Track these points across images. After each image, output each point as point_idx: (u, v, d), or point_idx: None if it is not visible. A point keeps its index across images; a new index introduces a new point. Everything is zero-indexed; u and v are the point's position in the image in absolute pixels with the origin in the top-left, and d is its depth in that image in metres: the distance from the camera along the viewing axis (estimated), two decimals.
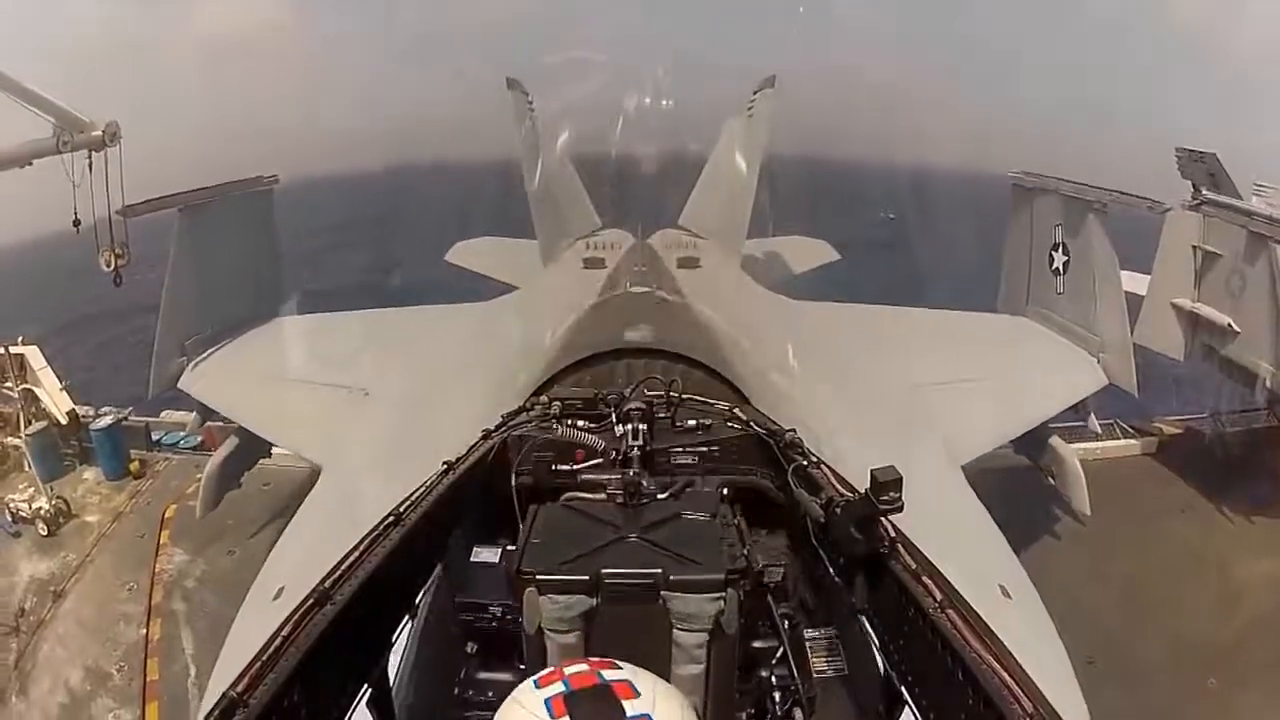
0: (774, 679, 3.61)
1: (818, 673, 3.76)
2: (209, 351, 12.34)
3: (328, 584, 2.96)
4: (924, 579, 2.90)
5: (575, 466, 4.50)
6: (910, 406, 9.33)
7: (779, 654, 3.66)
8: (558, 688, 1.82)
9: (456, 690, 3.90)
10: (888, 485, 2.87)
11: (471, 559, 3.67)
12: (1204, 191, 12.43)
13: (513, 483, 4.26)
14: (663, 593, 3.00)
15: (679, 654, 3.06)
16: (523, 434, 4.69)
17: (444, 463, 4.14)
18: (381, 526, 3.39)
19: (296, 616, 2.75)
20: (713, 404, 4.95)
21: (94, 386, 22.67)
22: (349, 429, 9.32)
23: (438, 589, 3.96)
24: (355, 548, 3.23)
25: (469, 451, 4.42)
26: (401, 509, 3.55)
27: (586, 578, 3.01)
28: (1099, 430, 15.80)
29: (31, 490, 14.83)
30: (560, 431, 4.57)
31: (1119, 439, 17.06)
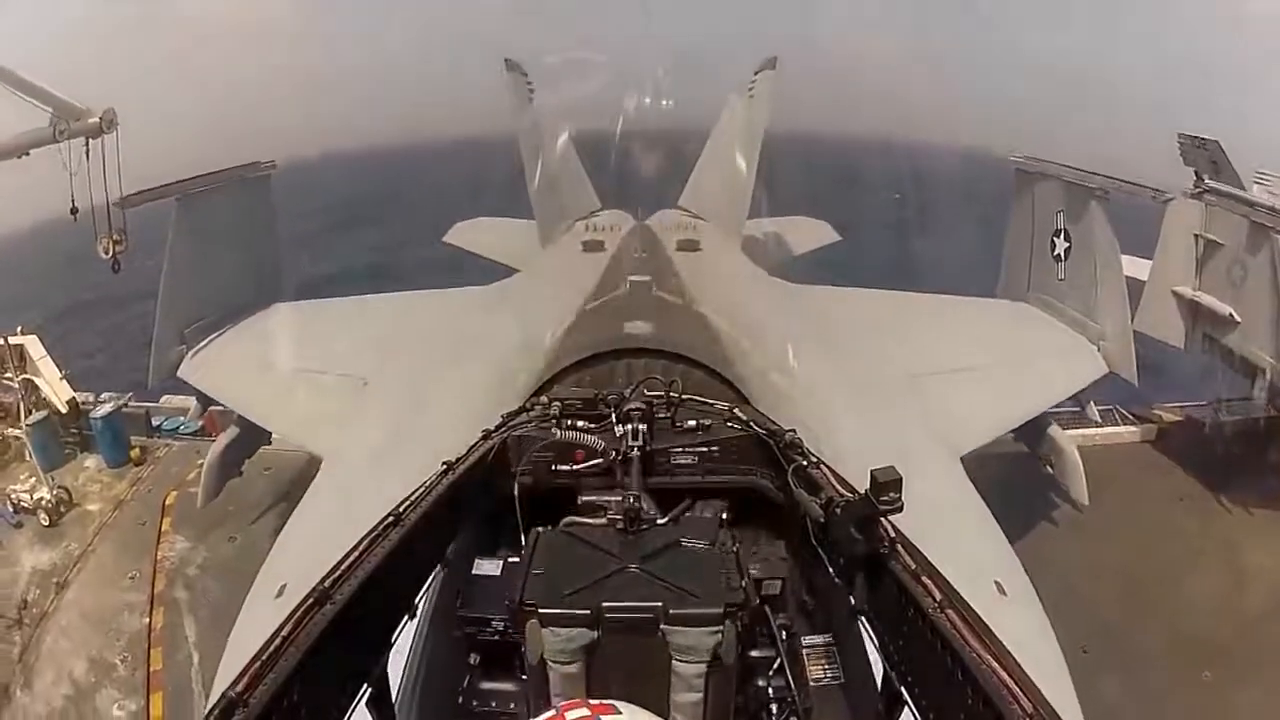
0: (771, 690, 3.65)
1: (814, 680, 3.78)
2: (208, 339, 12.30)
3: (328, 584, 2.96)
4: (924, 579, 2.90)
5: (575, 467, 4.51)
6: (911, 398, 9.31)
7: (776, 665, 3.68)
8: None
9: (460, 700, 3.93)
10: (887, 485, 2.87)
11: (473, 571, 3.68)
12: (1206, 180, 12.37)
13: (515, 491, 4.26)
14: (662, 626, 3.05)
15: (678, 683, 3.10)
16: (523, 434, 4.68)
17: (444, 463, 4.13)
18: (381, 527, 3.38)
19: (296, 616, 2.75)
20: (713, 404, 4.93)
21: (95, 373, 22.76)
22: (348, 420, 9.31)
23: (439, 598, 3.97)
24: (355, 548, 3.22)
25: (469, 451, 4.40)
26: (401, 509, 3.55)
27: (588, 611, 3.04)
28: (1098, 419, 15.84)
29: (33, 480, 14.87)
30: (560, 436, 4.56)
31: (1118, 426, 17.09)
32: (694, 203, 16.93)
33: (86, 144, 11.07)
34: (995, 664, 2.45)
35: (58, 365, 16.83)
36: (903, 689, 2.94)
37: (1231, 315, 12.22)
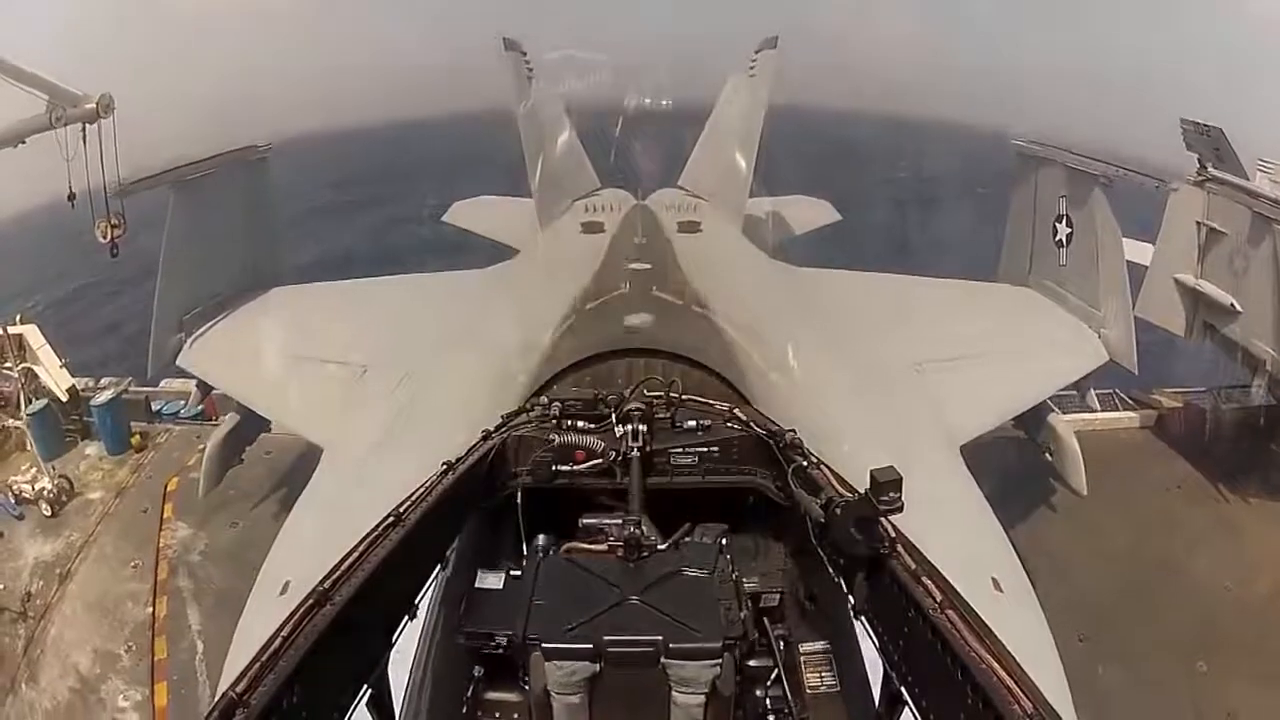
0: (769, 701, 3.69)
1: (811, 688, 3.81)
2: (207, 326, 12.23)
3: (327, 584, 2.97)
4: (924, 579, 2.91)
5: (576, 467, 4.51)
6: (911, 389, 9.29)
7: (774, 675, 3.71)
8: None
9: (465, 710, 3.96)
10: (887, 486, 2.88)
11: (476, 585, 3.71)
12: (1209, 168, 12.28)
13: (518, 498, 4.29)
14: (663, 659, 3.12)
15: (678, 713, 3.20)
16: (523, 434, 4.68)
17: (444, 463, 4.13)
18: (381, 527, 3.39)
19: (297, 617, 2.77)
20: (712, 404, 4.93)
21: (95, 360, 22.71)
22: (348, 410, 9.30)
23: (442, 608, 3.98)
24: (355, 548, 3.23)
25: (469, 452, 4.40)
26: (402, 509, 3.56)
27: (590, 646, 3.12)
28: (1097, 406, 15.84)
29: (34, 470, 14.85)
30: (559, 443, 4.57)
31: (1117, 411, 17.08)
32: (694, 182, 16.86)
33: (83, 129, 11.01)
34: (995, 664, 2.46)
35: (57, 353, 16.80)
36: (903, 689, 2.96)
37: (1233, 305, 12.16)
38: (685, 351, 5.84)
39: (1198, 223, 12.52)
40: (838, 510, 3.26)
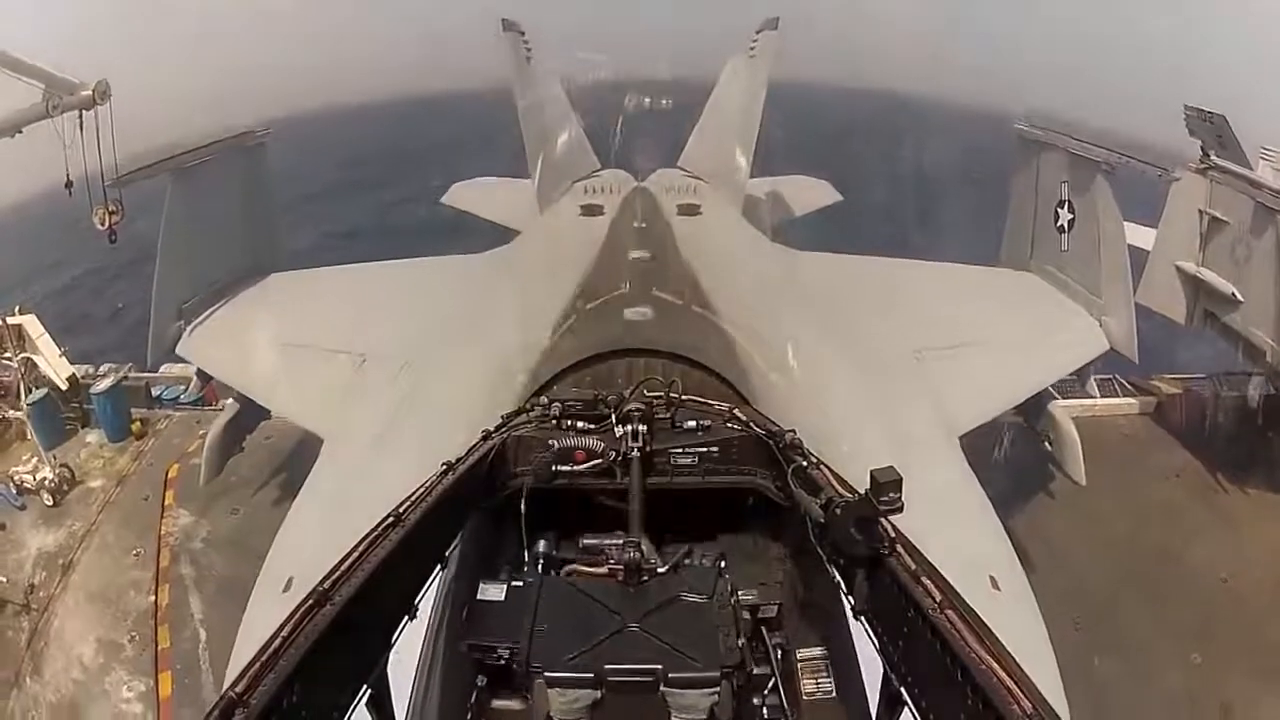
0: (766, 710, 3.73)
1: (807, 694, 3.85)
2: (206, 314, 12.20)
3: (327, 584, 2.98)
4: (923, 580, 2.91)
5: (576, 467, 4.51)
6: (911, 380, 9.28)
7: (771, 684, 3.73)
8: None
9: (469, 717, 3.99)
10: (887, 486, 2.87)
11: (478, 597, 3.73)
12: (1212, 156, 12.22)
13: (521, 507, 4.30)
14: (662, 687, 3.19)
15: None
16: (523, 435, 4.68)
17: (444, 463, 4.13)
18: (381, 527, 3.40)
19: (297, 617, 2.77)
20: (712, 404, 4.92)
21: (97, 344, 22.71)
22: (348, 401, 9.30)
23: (444, 616, 4.00)
24: (355, 548, 3.24)
25: (469, 452, 4.40)
26: (402, 509, 3.56)
27: (591, 674, 3.18)
28: (1097, 393, 15.85)
29: (35, 461, 14.87)
30: (558, 447, 4.57)
31: (1117, 397, 17.08)
32: (694, 163, 16.78)
33: (80, 117, 11.01)
34: (995, 664, 2.47)
35: (56, 342, 16.75)
36: (902, 689, 2.97)
37: (1234, 294, 12.14)
38: (685, 351, 5.81)
39: (1200, 211, 12.48)
40: (838, 510, 3.26)
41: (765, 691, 3.71)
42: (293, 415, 10.78)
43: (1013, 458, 13.42)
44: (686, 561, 4.14)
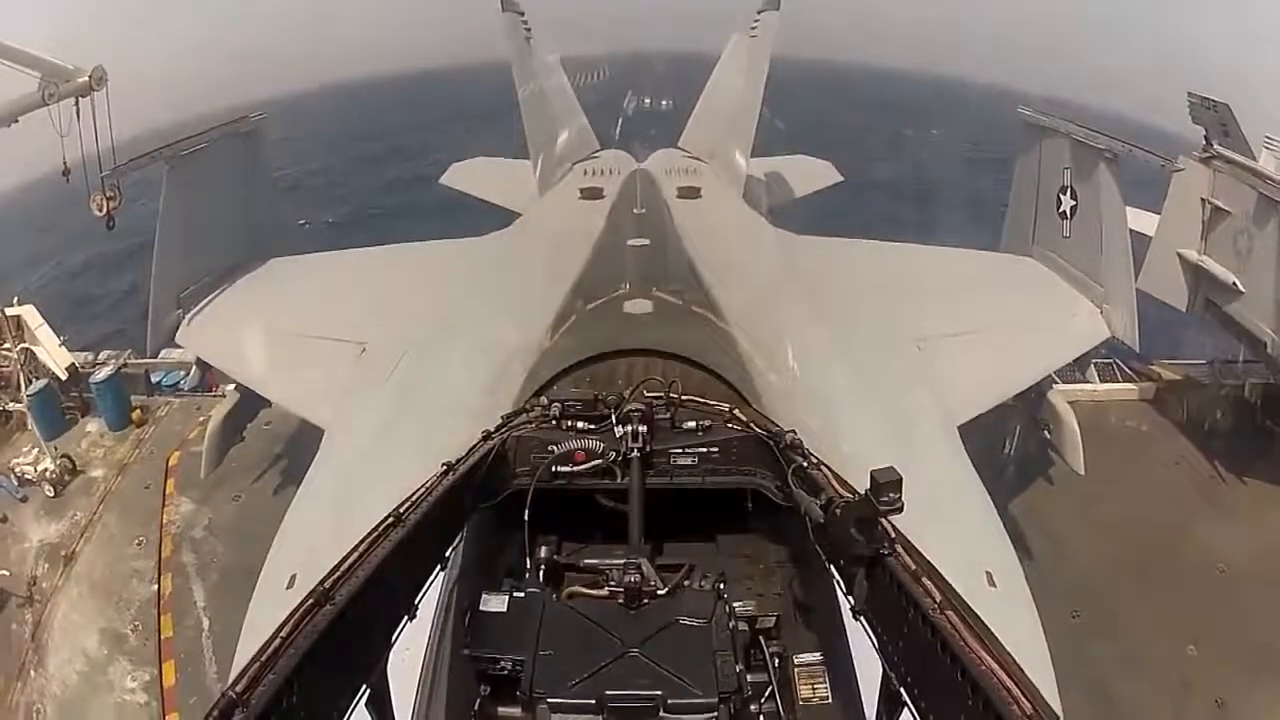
0: (762, 718, 3.75)
1: (803, 700, 3.87)
2: (205, 301, 12.15)
3: (328, 584, 2.99)
4: (924, 580, 2.92)
5: (576, 468, 4.51)
6: (911, 370, 9.26)
7: (768, 692, 3.76)
8: None
9: None
10: (887, 486, 2.87)
11: (481, 608, 3.77)
12: (1215, 145, 12.14)
13: (522, 499, 4.31)
14: (661, 713, 3.23)
15: None
16: (522, 435, 4.68)
17: (444, 464, 4.14)
18: (382, 527, 3.41)
19: (297, 617, 2.78)
20: (712, 405, 4.91)
21: (97, 331, 22.69)
22: (347, 392, 9.28)
23: (446, 620, 4.00)
24: (355, 548, 3.25)
25: (469, 452, 4.41)
26: (401, 509, 3.58)
27: (593, 701, 3.22)
28: (1097, 380, 15.87)
29: (36, 452, 14.87)
30: (559, 444, 4.57)
31: (1117, 382, 17.06)
32: (694, 143, 16.71)
33: (76, 103, 11.03)
34: (995, 665, 2.47)
35: (55, 331, 16.75)
36: (902, 690, 2.98)
37: (1235, 284, 12.13)
38: (685, 351, 5.79)
39: (1202, 200, 12.43)
40: (838, 511, 3.27)
41: (762, 700, 3.74)
42: (293, 406, 10.78)
43: (1011, 440, 13.48)
44: (686, 583, 4.17)
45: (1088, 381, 16.61)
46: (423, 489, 3.85)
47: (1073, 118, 12.47)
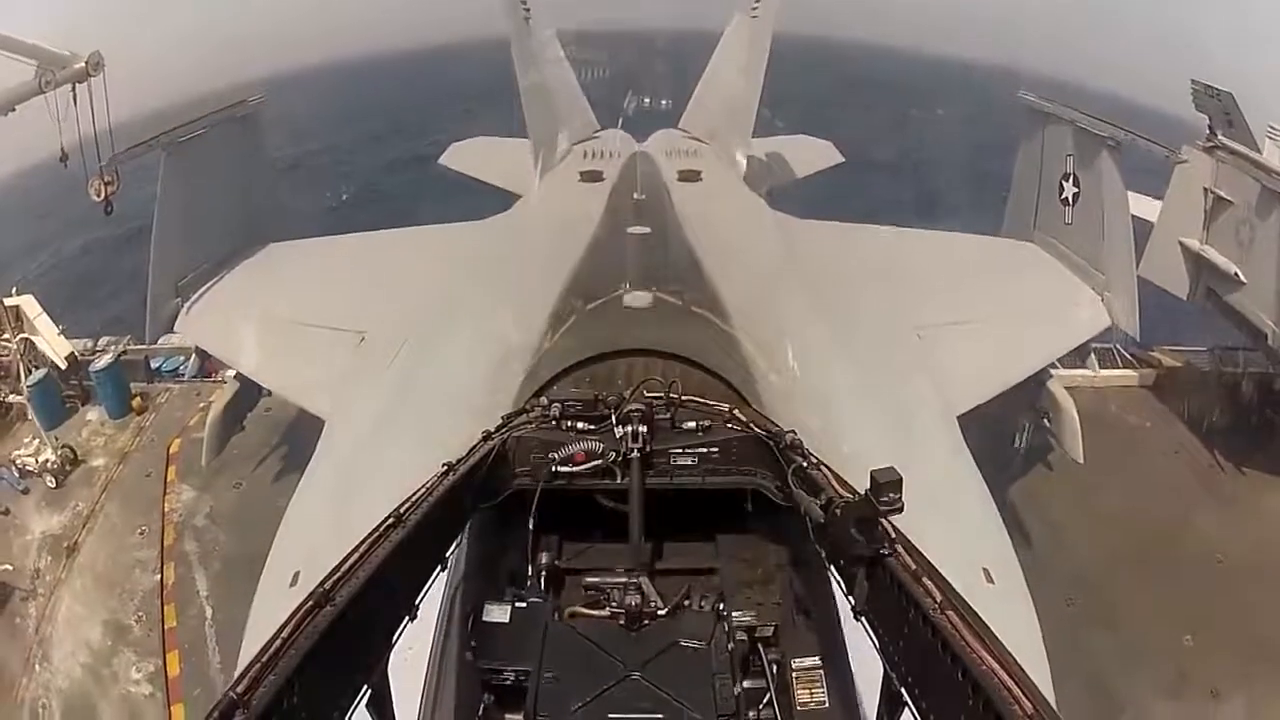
0: None
1: (801, 705, 3.89)
2: (204, 289, 12.12)
3: (328, 585, 3.00)
4: (924, 580, 2.93)
5: (576, 468, 4.51)
6: (911, 361, 9.26)
7: (766, 699, 3.79)
8: None
9: None
10: (888, 486, 2.87)
11: (484, 619, 3.79)
12: (1219, 135, 12.07)
13: (527, 499, 4.33)
14: None
15: None
16: (522, 435, 4.68)
17: (444, 464, 4.15)
18: (382, 528, 3.42)
19: (297, 617, 2.79)
20: (712, 405, 4.90)
21: (100, 316, 22.64)
22: (348, 382, 9.28)
23: (448, 625, 4.03)
24: (356, 548, 3.26)
25: (469, 453, 4.41)
26: (402, 510, 3.58)
27: None
28: (1097, 368, 15.84)
29: (36, 443, 14.84)
30: (559, 446, 4.57)
31: (1117, 368, 17.00)
32: (695, 124, 16.59)
33: (73, 89, 11.00)
34: (995, 665, 2.48)
35: (54, 319, 16.66)
36: (903, 690, 3.00)
37: (1237, 275, 12.08)
38: (685, 352, 5.78)
39: (1205, 189, 12.37)
40: (838, 511, 3.28)
41: (760, 706, 3.77)
42: (292, 396, 10.79)
43: (1011, 425, 13.47)
44: (685, 602, 4.20)
45: (1087, 368, 16.60)
46: (423, 489, 3.86)
47: (1076, 105, 12.38)
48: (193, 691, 10.93)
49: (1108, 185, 11.43)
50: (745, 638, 3.84)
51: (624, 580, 4.09)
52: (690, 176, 13.07)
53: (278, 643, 2.66)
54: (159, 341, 16.96)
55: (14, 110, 10.94)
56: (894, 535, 3.11)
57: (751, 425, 4.62)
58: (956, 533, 5.82)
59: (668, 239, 9.64)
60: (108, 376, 16.56)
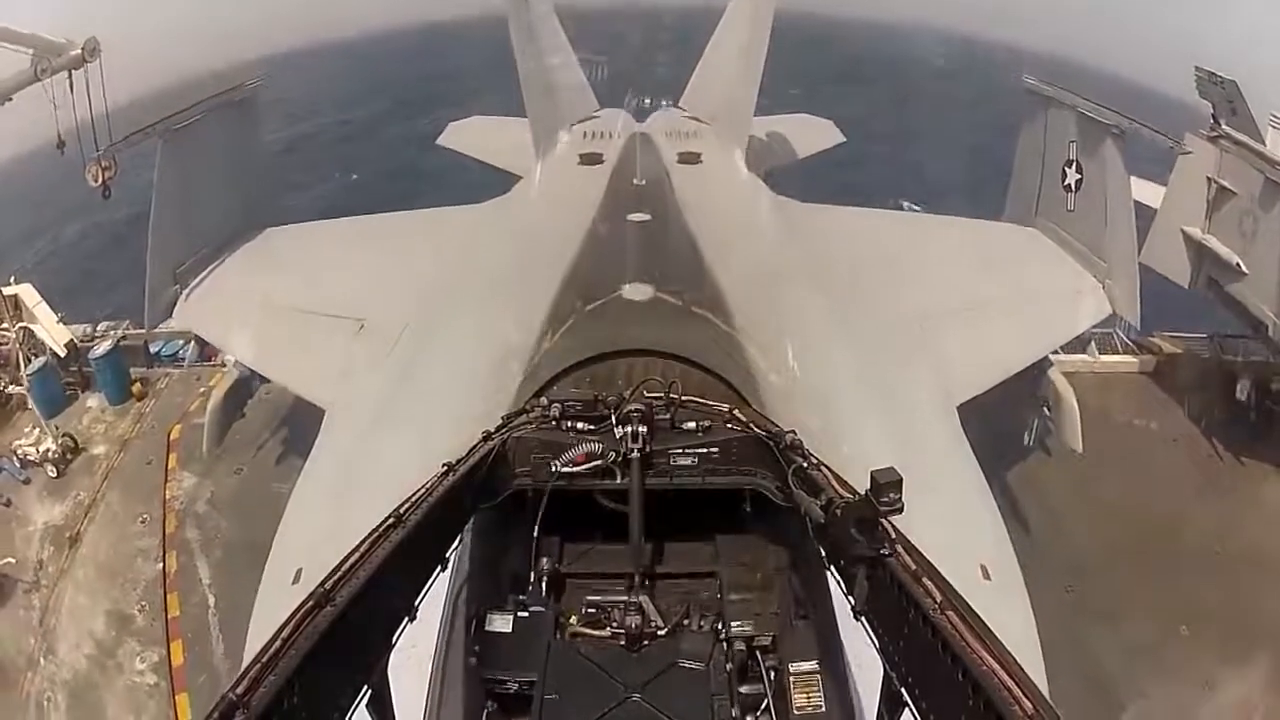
0: None
1: (798, 709, 3.92)
2: (202, 276, 12.07)
3: (329, 585, 3.00)
4: (924, 580, 2.93)
5: (576, 469, 4.51)
6: (912, 352, 9.22)
7: (764, 705, 3.81)
8: None
9: None
10: (888, 487, 2.87)
11: (486, 628, 3.82)
12: (1222, 124, 11.99)
13: (534, 500, 4.34)
14: None
15: None
16: (522, 436, 4.68)
17: (444, 464, 4.15)
18: (382, 528, 3.42)
19: (297, 618, 2.80)
20: (712, 405, 4.90)
21: (99, 302, 22.58)
22: (345, 372, 9.26)
23: (450, 630, 4.04)
24: (356, 549, 3.26)
25: (469, 453, 4.41)
26: (402, 510, 3.59)
27: None
28: (1097, 354, 15.81)
29: (37, 432, 14.82)
30: (559, 448, 4.57)
31: (1117, 354, 16.97)
32: (696, 104, 16.45)
33: (69, 76, 10.91)
34: (995, 664, 2.49)
35: (52, 306, 16.60)
36: (903, 690, 3.01)
37: (1239, 265, 12.06)
38: (685, 352, 5.75)
39: (1208, 178, 12.32)
40: (838, 511, 3.28)
41: (758, 712, 3.80)
42: (292, 385, 10.77)
43: (1012, 420, 13.47)
44: (685, 622, 4.24)
45: (1087, 353, 16.57)
46: (423, 489, 3.86)
47: (1079, 90, 12.26)
48: (197, 679, 10.98)
49: (1111, 173, 11.35)
50: (744, 648, 3.86)
51: (624, 600, 4.11)
52: (690, 158, 12.97)
53: (278, 643, 2.67)
54: (158, 328, 17.02)
55: (10, 100, 10.92)
56: (894, 535, 3.12)
57: (751, 425, 4.62)
58: (955, 529, 5.84)
59: (668, 226, 9.58)
60: (107, 363, 16.52)
